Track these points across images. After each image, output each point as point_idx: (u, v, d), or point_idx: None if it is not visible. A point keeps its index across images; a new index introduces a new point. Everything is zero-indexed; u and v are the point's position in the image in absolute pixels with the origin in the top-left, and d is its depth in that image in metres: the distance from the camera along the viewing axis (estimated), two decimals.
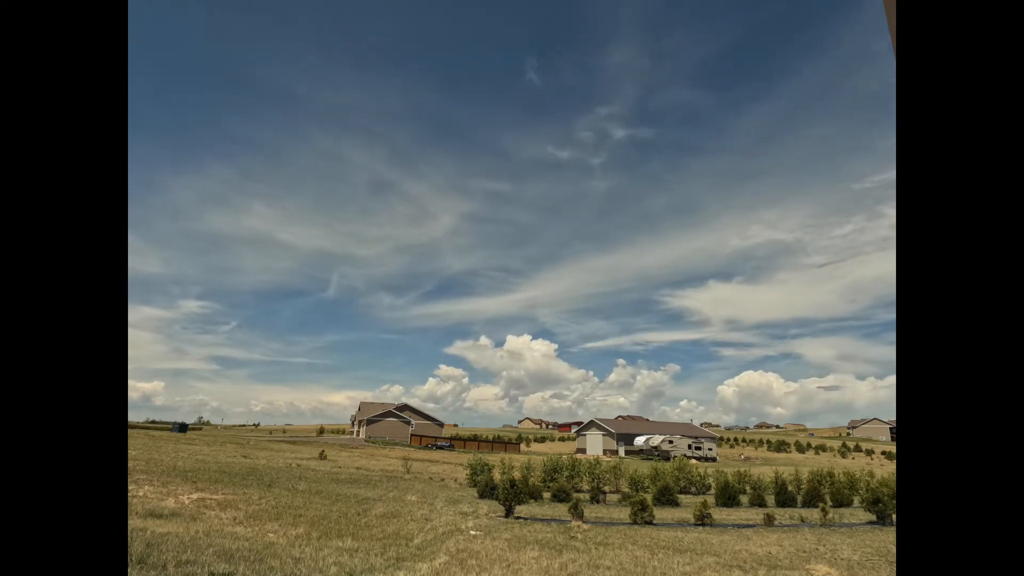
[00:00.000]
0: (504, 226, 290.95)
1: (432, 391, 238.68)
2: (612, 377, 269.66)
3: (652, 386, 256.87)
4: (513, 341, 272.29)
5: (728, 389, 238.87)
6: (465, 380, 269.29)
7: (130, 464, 18.33)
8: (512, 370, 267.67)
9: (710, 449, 61.39)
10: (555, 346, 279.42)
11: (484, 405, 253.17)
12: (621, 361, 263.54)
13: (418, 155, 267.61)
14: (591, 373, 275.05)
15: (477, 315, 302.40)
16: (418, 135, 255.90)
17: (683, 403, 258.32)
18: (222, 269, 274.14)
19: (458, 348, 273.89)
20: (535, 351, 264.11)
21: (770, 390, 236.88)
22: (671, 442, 57.92)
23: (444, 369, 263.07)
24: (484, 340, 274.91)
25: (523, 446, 72.55)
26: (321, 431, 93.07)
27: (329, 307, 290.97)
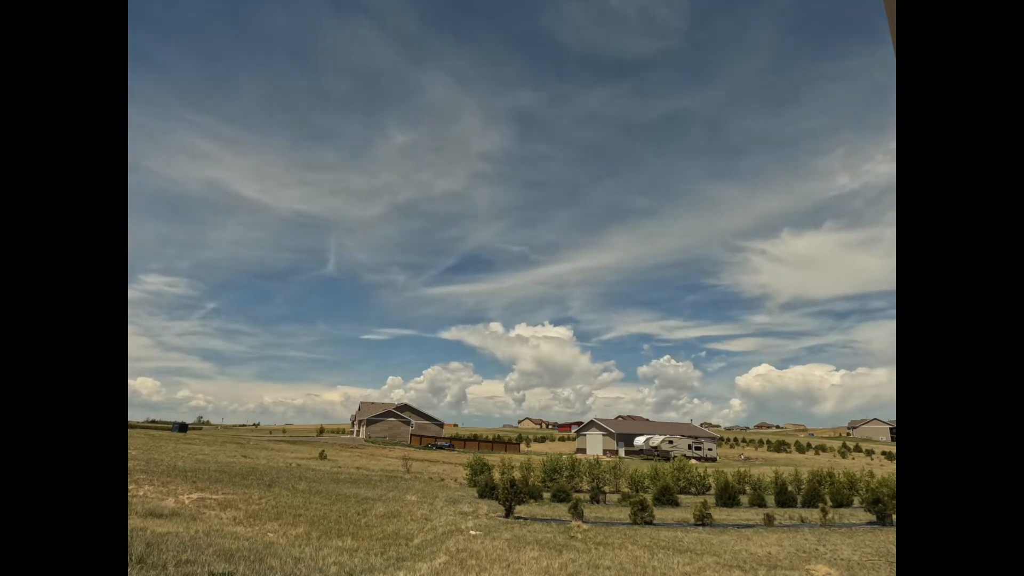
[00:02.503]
0: (538, 172, 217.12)
1: (434, 386, 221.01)
2: (640, 371, 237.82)
3: (684, 382, 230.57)
4: (526, 330, 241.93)
5: (755, 382, 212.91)
6: (470, 375, 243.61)
7: (130, 464, 18.33)
8: (523, 361, 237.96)
9: (710, 449, 61.37)
10: (573, 336, 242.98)
11: (486, 403, 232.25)
12: (646, 346, 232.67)
13: (424, 50, 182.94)
14: (613, 363, 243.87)
15: (494, 299, 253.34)
16: (425, 12, 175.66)
17: (695, 401, 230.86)
18: (184, 239, 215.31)
19: (466, 336, 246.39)
20: (552, 341, 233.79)
21: (809, 386, 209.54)
22: (671, 442, 57.90)
23: (450, 364, 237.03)
24: (496, 328, 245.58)
25: (523, 446, 72.54)
26: (321, 431, 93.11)
27: (324, 291, 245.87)
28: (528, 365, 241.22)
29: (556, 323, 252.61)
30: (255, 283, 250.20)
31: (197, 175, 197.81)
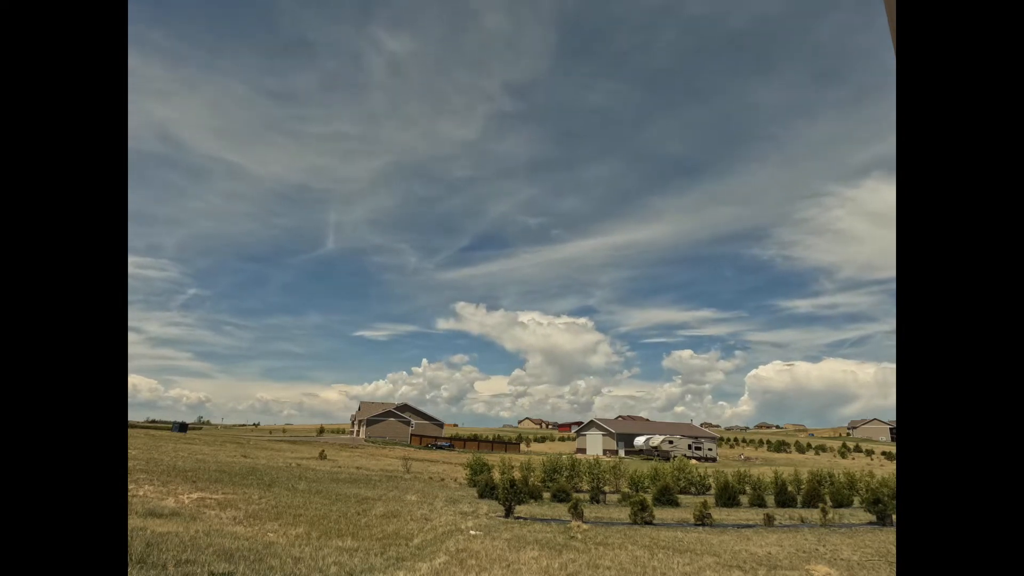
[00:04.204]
0: (576, 111, 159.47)
1: (435, 383, 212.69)
2: (664, 363, 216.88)
3: (706, 378, 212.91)
4: (540, 320, 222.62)
5: (778, 378, 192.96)
6: (476, 373, 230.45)
7: (130, 464, 18.33)
8: (533, 355, 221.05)
9: (710, 449, 61.39)
10: (594, 326, 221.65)
11: (489, 402, 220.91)
12: (671, 339, 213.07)
13: None
14: (634, 355, 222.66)
15: (508, 285, 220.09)
16: None
17: (708, 399, 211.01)
18: (151, 212, 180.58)
19: (472, 327, 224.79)
20: (568, 333, 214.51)
21: (835, 382, 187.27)
22: (671, 442, 57.91)
23: (453, 357, 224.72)
24: (507, 317, 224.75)
25: (523, 446, 72.53)
26: (321, 431, 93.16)
27: (322, 275, 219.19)
28: (538, 359, 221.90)
29: (575, 313, 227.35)
30: (244, 267, 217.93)
31: (142, 118, 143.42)
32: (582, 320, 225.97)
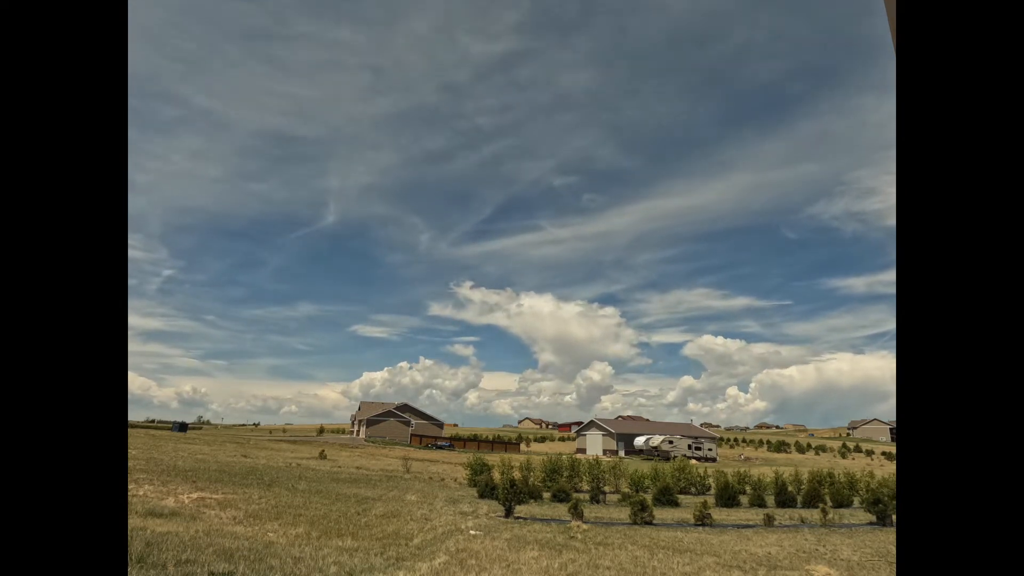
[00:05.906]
0: (632, 11, 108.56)
1: (436, 381, 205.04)
2: (686, 351, 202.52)
3: (731, 372, 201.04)
4: (551, 303, 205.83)
5: (803, 376, 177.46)
6: (479, 370, 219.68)
7: (130, 463, 18.33)
8: (543, 347, 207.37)
9: (710, 449, 61.40)
10: (620, 316, 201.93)
11: (489, 401, 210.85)
12: (698, 333, 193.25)
13: None
14: (657, 345, 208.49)
15: (527, 267, 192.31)
16: None
17: (718, 398, 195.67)
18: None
19: (477, 318, 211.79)
20: (584, 323, 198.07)
21: (870, 377, 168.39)
22: (671, 442, 57.93)
23: (454, 347, 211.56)
24: (519, 306, 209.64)
25: (523, 446, 72.54)
26: (321, 431, 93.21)
27: (319, 258, 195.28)
28: (548, 350, 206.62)
29: (598, 301, 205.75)
30: (229, 246, 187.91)
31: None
32: (607, 310, 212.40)
